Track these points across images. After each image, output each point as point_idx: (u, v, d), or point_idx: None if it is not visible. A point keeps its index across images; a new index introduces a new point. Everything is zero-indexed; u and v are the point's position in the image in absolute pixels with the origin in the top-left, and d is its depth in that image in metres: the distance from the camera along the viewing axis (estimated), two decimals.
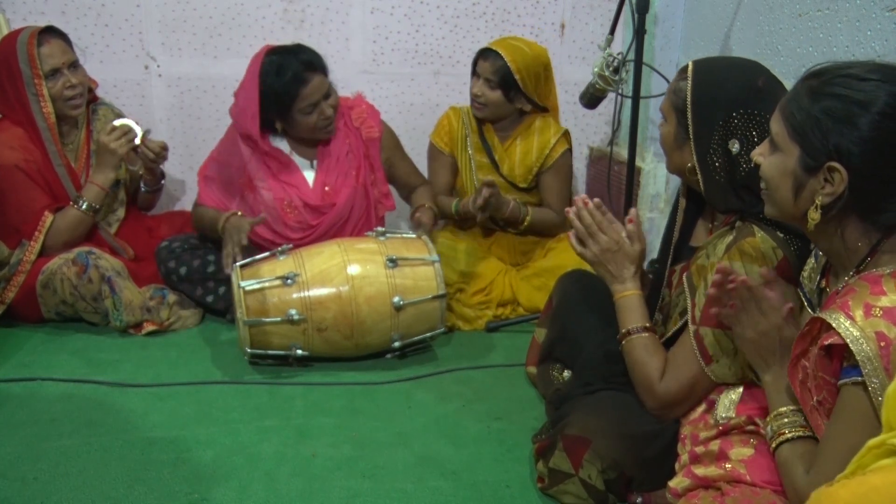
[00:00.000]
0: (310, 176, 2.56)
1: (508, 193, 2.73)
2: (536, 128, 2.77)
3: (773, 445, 1.32)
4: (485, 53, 2.67)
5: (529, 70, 2.64)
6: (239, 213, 2.44)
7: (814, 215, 1.22)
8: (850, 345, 1.11)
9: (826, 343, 1.16)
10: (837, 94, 1.19)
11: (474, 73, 2.71)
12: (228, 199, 2.55)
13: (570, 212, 1.74)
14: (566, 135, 2.78)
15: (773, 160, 1.28)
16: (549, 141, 2.74)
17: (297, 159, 2.56)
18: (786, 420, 1.32)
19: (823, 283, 1.37)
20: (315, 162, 2.58)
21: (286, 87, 2.38)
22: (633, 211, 1.76)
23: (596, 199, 1.75)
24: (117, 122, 2.55)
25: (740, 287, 1.37)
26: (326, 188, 2.55)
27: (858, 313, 1.13)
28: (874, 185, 1.19)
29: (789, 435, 1.30)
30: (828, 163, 1.19)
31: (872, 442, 0.92)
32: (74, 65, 2.54)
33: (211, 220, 2.48)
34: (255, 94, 2.39)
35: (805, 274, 1.45)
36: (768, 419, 1.35)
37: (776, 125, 1.27)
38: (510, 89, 2.65)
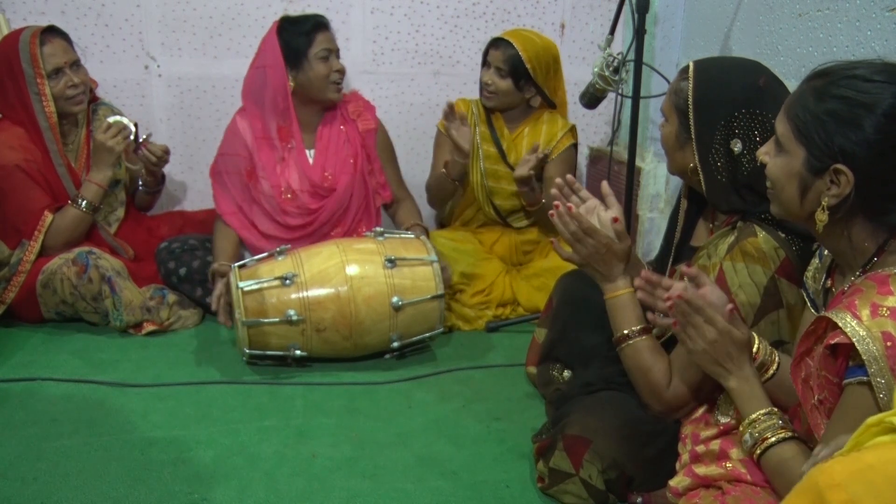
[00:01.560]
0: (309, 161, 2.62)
1: (513, 183, 2.75)
2: (545, 121, 2.79)
3: (758, 452, 1.30)
4: (496, 43, 2.68)
5: (540, 60, 2.66)
6: (225, 266, 2.46)
7: (821, 217, 1.21)
8: (857, 344, 1.11)
9: (832, 342, 1.15)
10: (842, 95, 1.18)
11: (485, 63, 2.72)
12: (241, 195, 2.59)
13: (553, 215, 1.69)
14: (573, 130, 2.80)
15: (779, 161, 1.27)
16: (556, 134, 2.76)
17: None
18: (764, 425, 1.31)
19: (829, 283, 1.36)
20: (314, 152, 2.62)
21: (305, 31, 2.53)
22: (616, 209, 1.69)
23: (569, 176, 1.73)
24: (111, 119, 2.56)
25: (678, 302, 1.36)
26: (326, 173, 2.60)
27: (865, 313, 1.13)
28: (880, 186, 1.18)
29: (773, 439, 1.29)
30: (833, 165, 1.18)
31: (871, 420, 0.91)
32: (76, 64, 2.54)
33: (214, 252, 2.57)
34: (276, 48, 2.52)
35: (809, 274, 1.44)
36: (742, 427, 1.34)
37: (781, 126, 1.26)
38: (520, 78, 2.67)
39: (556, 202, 1.70)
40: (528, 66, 2.63)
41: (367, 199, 2.66)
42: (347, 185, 2.60)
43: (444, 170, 2.69)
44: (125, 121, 2.58)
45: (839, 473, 0.82)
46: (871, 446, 0.87)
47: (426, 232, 2.65)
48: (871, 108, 1.15)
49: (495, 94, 2.69)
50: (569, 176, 1.75)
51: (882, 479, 0.80)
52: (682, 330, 1.40)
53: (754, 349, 1.40)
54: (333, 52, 2.57)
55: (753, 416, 1.32)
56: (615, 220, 1.67)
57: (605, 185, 1.72)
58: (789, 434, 1.29)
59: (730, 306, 1.37)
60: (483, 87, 2.72)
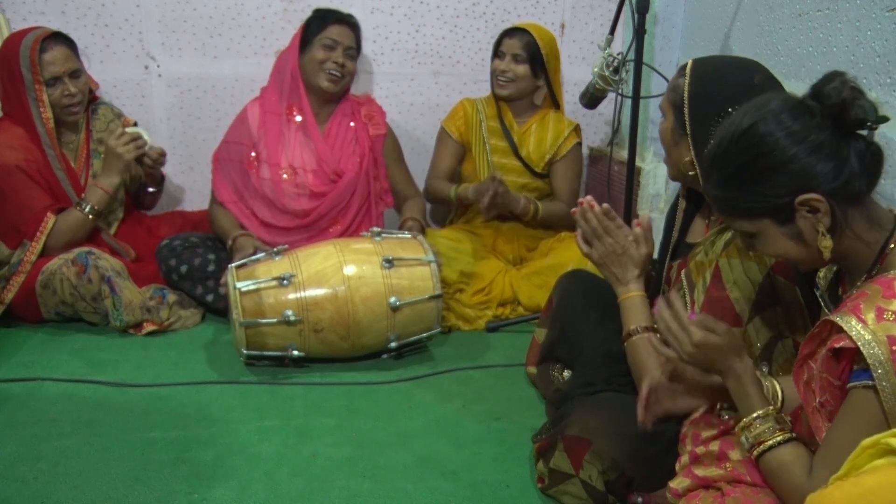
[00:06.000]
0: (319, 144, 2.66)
1: (524, 178, 2.80)
2: (550, 119, 2.85)
3: (755, 454, 1.29)
4: (510, 32, 2.76)
5: (552, 49, 2.76)
6: (247, 234, 2.54)
7: (825, 243, 1.21)
8: (862, 348, 1.10)
9: (836, 346, 1.15)
10: (740, 161, 1.23)
11: (497, 53, 2.78)
12: (241, 182, 2.61)
13: (577, 212, 1.75)
14: (577, 129, 2.86)
15: (767, 244, 1.28)
16: (562, 132, 2.82)
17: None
18: (759, 429, 1.29)
19: (840, 291, 1.35)
20: (324, 134, 2.66)
21: (320, 18, 2.64)
22: (643, 216, 1.77)
23: (605, 205, 1.75)
24: (129, 130, 2.58)
25: (659, 317, 1.38)
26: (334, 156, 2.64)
27: (870, 316, 1.12)
28: (837, 177, 1.19)
29: (771, 442, 1.27)
30: (794, 204, 1.19)
31: (867, 442, 0.91)
32: (76, 73, 2.53)
33: (223, 231, 2.59)
34: (299, 31, 2.65)
35: (821, 273, 1.43)
36: (738, 430, 1.33)
37: (736, 224, 1.29)
38: (536, 64, 2.74)
39: (582, 199, 1.75)
40: (542, 52, 2.71)
41: (368, 201, 2.67)
42: (353, 177, 2.62)
43: (451, 195, 2.77)
44: (142, 131, 2.61)
45: (839, 500, 0.82)
46: (869, 470, 0.87)
47: (422, 228, 2.65)
48: (772, 148, 1.20)
49: (512, 80, 2.75)
50: (605, 205, 1.75)
51: (882, 503, 0.79)
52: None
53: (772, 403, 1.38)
54: (342, 46, 2.59)
55: (745, 421, 1.31)
56: (637, 224, 1.73)
57: (646, 218, 1.75)
58: (788, 436, 1.28)
59: (695, 316, 1.35)
60: (498, 75, 2.77)
